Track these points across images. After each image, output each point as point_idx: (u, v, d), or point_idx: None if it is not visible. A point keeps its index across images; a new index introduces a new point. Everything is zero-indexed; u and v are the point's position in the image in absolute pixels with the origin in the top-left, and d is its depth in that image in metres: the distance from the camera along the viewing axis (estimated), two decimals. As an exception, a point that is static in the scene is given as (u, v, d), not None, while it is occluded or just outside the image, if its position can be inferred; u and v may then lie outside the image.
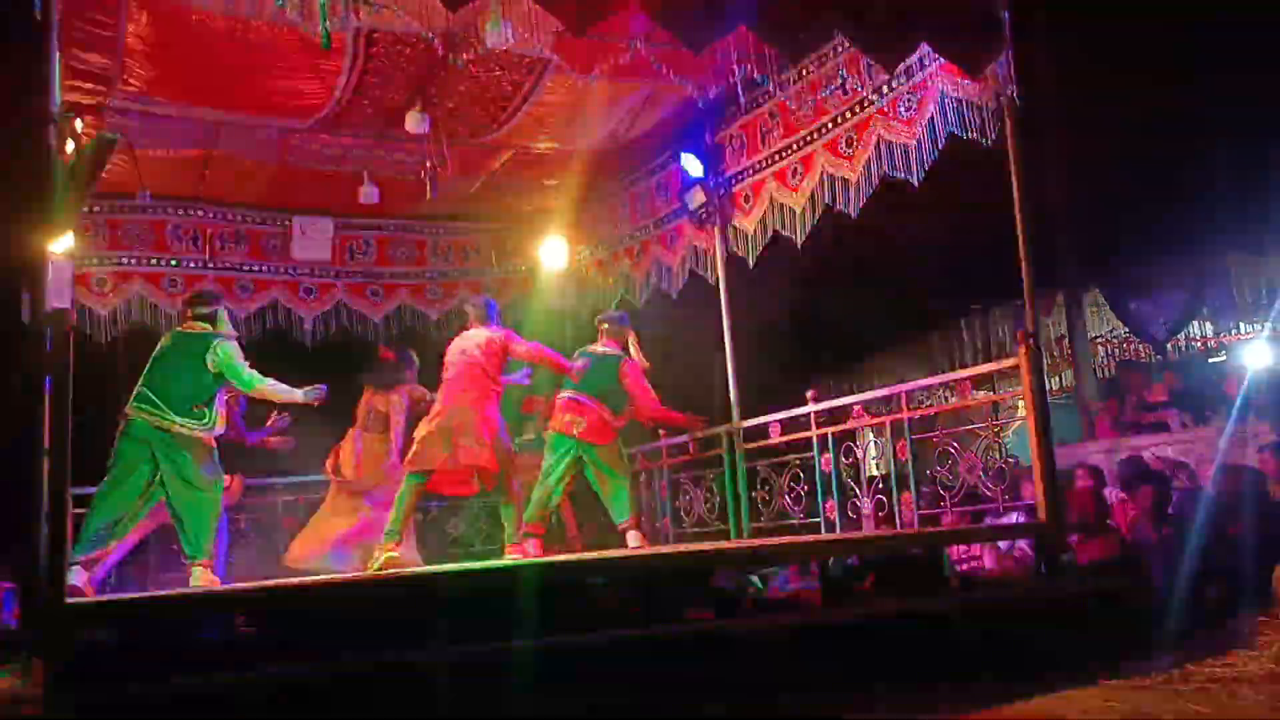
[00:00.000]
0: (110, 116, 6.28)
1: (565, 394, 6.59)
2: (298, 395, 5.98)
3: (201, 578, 5.51)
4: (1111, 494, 6.83)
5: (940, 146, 5.58)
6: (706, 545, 6.39)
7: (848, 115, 6.23)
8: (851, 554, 5.78)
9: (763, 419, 6.91)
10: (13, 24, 4.17)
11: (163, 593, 5.28)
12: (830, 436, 6.29)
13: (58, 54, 4.34)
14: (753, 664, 4.08)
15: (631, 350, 6.76)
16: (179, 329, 6.03)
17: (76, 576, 5.15)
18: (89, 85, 5.96)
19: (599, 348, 6.73)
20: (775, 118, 6.85)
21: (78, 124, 4.82)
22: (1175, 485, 6.87)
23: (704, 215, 7.42)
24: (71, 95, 5.94)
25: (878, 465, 8.39)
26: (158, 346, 5.90)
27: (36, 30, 4.02)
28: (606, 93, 6.56)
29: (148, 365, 5.79)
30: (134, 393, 5.69)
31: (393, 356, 7.62)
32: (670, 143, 7.71)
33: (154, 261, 8.20)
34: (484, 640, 3.91)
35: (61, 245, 4.07)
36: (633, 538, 6.26)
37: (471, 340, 6.25)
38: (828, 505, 6.32)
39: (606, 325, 6.82)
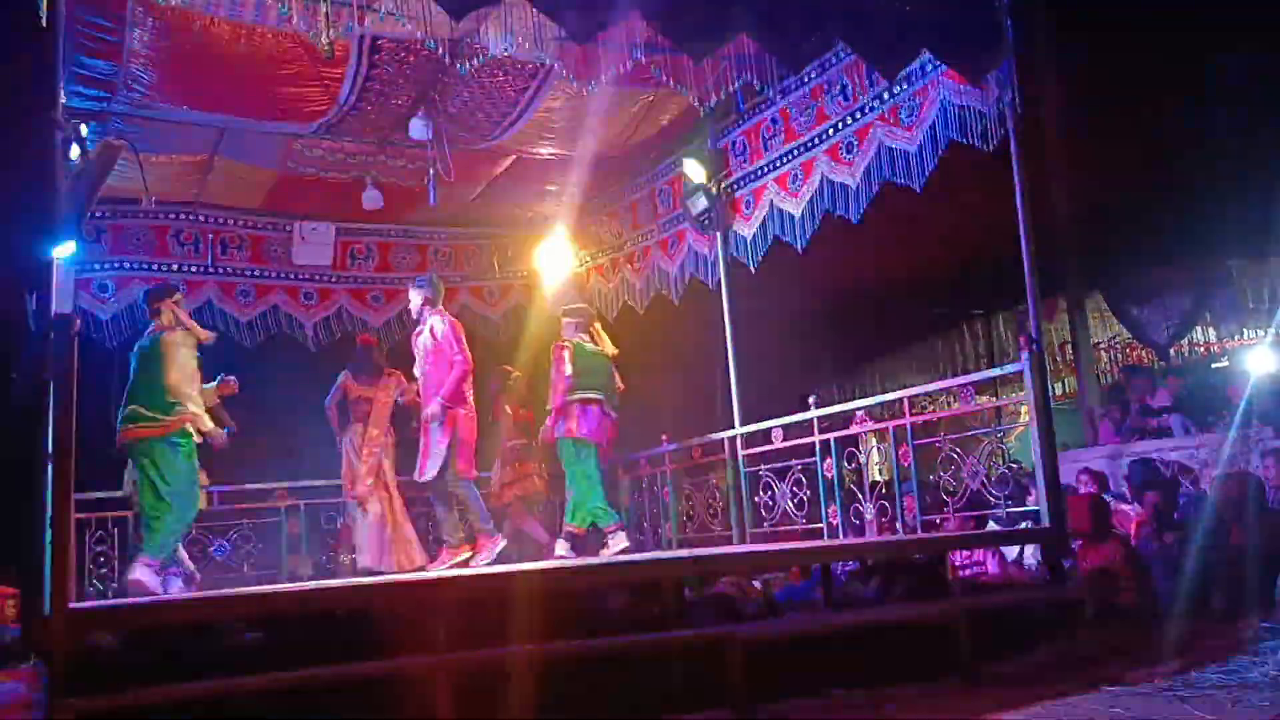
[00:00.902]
0: (114, 122, 6.31)
1: (588, 396, 6.52)
2: None
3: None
4: (1114, 500, 6.82)
5: (941, 153, 5.59)
6: (710, 551, 6.38)
7: (848, 121, 6.25)
8: (854, 559, 5.78)
9: (765, 424, 6.91)
10: (18, 30, 4.18)
11: (166, 597, 5.28)
12: (833, 441, 6.29)
13: (63, 60, 4.35)
14: (757, 669, 4.08)
15: (604, 341, 6.83)
16: (171, 335, 5.92)
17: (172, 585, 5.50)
18: (93, 91, 5.98)
19: (590, 344, 6.72)
20: (777, 124, 6.87)
21: (83, 129, 4.82)
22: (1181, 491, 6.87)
23: (706, 221, 7.43)
24: (76, 101, 5.96)
25: (880, 470, 8.39)
26: (168, 349, 5.79)
27: (42, 36, 4.03)
28: (609, 99, 6.57)
29: (176, 370, 5.73)
30: (181, 399, 5.68)
31: (374, 342, 7.67)
32: (672, 148, 7.73)
33: (156, 266, 8.22)
34: (486, 645, 3.90)
35: (66, 251, 4.08)
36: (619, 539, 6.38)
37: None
38: (830, 510, 6.32)
39: (578, 319, 6.80)
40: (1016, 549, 6.48)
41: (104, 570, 7.39)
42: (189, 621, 4.02)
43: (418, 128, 6.68)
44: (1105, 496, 6.85)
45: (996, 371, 7.06)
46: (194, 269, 8.36)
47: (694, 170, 7.40)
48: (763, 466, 6.95)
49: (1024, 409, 5.41)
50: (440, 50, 5.39)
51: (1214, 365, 11.49)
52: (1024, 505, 5.74)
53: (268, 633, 4.10)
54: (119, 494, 7.12)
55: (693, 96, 5.84)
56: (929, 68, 5.58)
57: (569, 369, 6.54)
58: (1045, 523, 5.10)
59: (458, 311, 9.29)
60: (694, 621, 4.55)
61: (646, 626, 4.40)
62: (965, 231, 9.28)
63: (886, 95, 5.90)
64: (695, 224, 7.55)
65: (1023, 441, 7.77)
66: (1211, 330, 11.64)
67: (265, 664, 3.73)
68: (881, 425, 6.18)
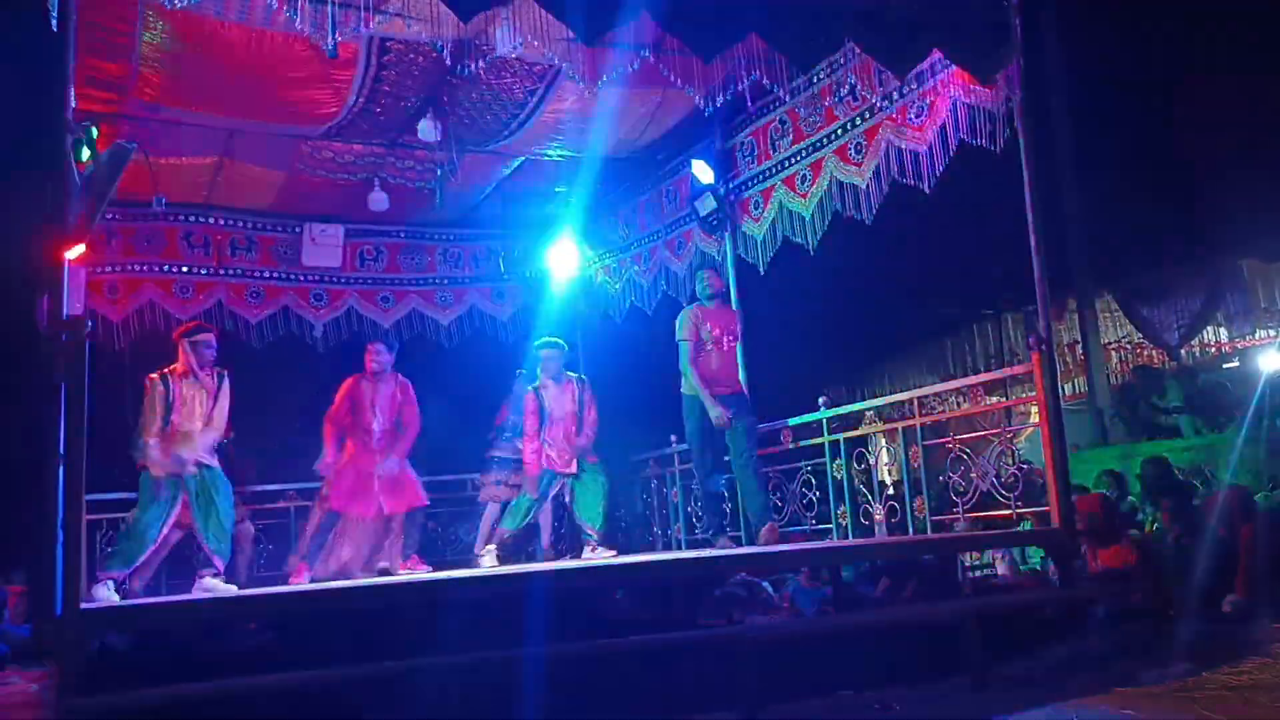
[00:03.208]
0: (124, 124, 6.33)
1: None
2: None
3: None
4: (1123, 502, 6.80)
5: (951, 153, 5.58)
6: (718, 551, 6.37)
7: (857, 122, 6.24)
8: (864, 560, 5.77)
9: (774, 424, 6.90)
10: (30, 34, 4.20)
11: (174, 599, 5.31)
12: (842, 442, 6.27)
13: (74, 63, 4.37)
14: (766, 669, 4.07)
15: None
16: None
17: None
18: (104, 94, 6.01)
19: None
20: (785, 124, 6.86)
21: (93, 131, 4.84)
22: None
23: (714, 222, 7.43)
24: (87, 104, 5.98)
25: (890, 471, 8.37)
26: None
27: (54, 40, 4.05)
28: (617, 100, 6.57)
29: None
30: None
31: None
32: (680, 149, 7.72)
33: (166, 268, 8.24)
34: (495, 647, 3.91)
35: (76, 252, 4.10)
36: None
37: None
38: (840, 511, 6.30)
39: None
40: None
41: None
42: (199, 622, 4.03)
43: (426, 129, 6.68)
44: (1115, 498, 6.83)
45: (1006, 372, 7.04)
46: (204, 271, 8.37)
47: (702, 171, 7.39)
48: (772, 467, 6.94)
49: (1034, 409, 5.38)
50: (448, 52, 5.39)
51: (1225, 365, 11.44)
52: (1034, 506, 5.71)
53: (278, 633, 4.12)
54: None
55: (701, 97, 5.83)
56: (938, 67, 5.56)
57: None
58: (1055, 523, 5.08)
59: (466, 312, 9.38)
60: (703, 622, 4.55)
61: (656, 627, 4.40)
62: (974, 231, 9.26)
63: (895, 95, 5.88)
64: (703, 225, 7.55)
65: (1033, 442, 7.73)
66: (1223, 330, 11.59)
67: (275, 664, 3.74)
68: (891, 426, 6.17)
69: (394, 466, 6.57)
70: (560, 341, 7.13)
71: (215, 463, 5.99)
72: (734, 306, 6.85)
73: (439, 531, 8.69)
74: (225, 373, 6.08)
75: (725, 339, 6.34)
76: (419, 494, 6.70)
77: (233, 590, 5.86)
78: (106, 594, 5.48)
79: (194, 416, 5.90)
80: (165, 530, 5.86)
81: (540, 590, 4.29)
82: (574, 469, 6.79)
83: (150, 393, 5.90)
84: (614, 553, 6.50)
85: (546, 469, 6.94)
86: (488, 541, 7.26)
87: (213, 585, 5.75)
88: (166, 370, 5.99)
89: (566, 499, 7.01)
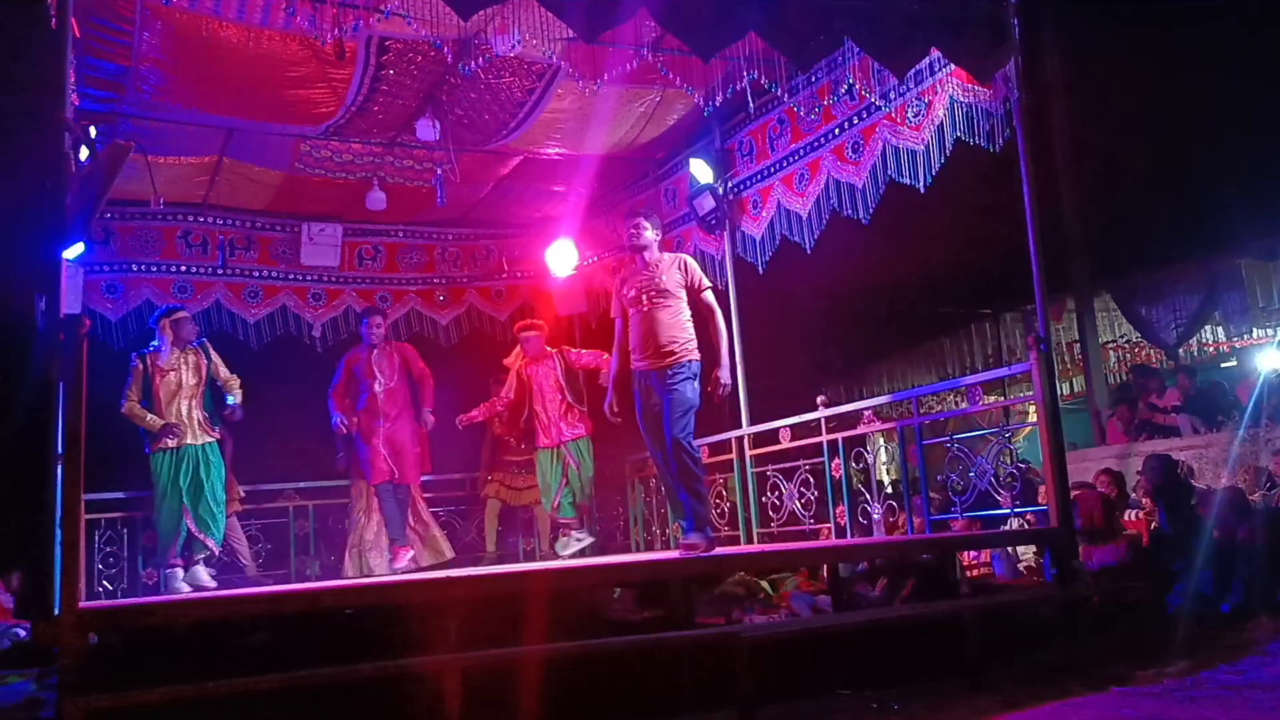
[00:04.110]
0: (123, 123, 6.33)
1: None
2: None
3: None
4: (1122, 498, 6.80)
5: (948, 152, 5.58)
6: (716, 551, 6.37)
7: (855, 121, 6.23)
8: (862, 560, 5.77)
9: (773, 424, 6.90)
10: (28, 31, 4.19)
11: (172, 598, 5.31)
12: (841, 442, 6.27)
13: (72, 61, 4.37)
14: (762, 669, 4.07)
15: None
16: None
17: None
18: (102, 92, 6.00)
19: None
20: (784, 124, 6.86)
21: (92, 131, 4.84)
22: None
23: (713, 221, 7.43)
24: (86, 102, 5.98)
25: (888, 470, 8.37)
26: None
27: (51, 38, 4.04)
28: (615, 100, 6.57)
29: None
30: None
31: None
32: (679, 148, 7.73)
33: (164, 267, 8.24)
34: (494, 645, 3.91)
35: (75, 252, 4.10)
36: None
37: None
38: (838, 510, 6.30)
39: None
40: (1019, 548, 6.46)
41: (113, 570, 7.41)
42: (199, 621, 4.03)
43: (425, 129, 6.68)
44: (1111, 496, 6.83)
45: (1004, 371, 7.03)
46: (202, 270, 8.37)
47: (700, 170, 7.39)
48: (770, 467, 6.94)
49: (1032, 408, 5.38)
50: (447, 51, 5.39)
51: (1223, 364, 11.45)
52: (1032, 505, 5.71)
53: (276, 632, 4.11)
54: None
55: (700, 96, 5.83)
56: (936, 67, 5.56)
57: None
58: (1053, 522, 5.08)
59: (465, 312, 9.38)
60: (701, 621, 4.54)
61: (653, 626, 4.40)
62: (973, 231, 9.26)
63: (893, 94, 5.87)
64: (702, 224, 7.55)
65: (1031, 441, 7.74)
66: (1220, 330, 11.60)
67: (274, 663, 3.74)
68: (889, 425, 6.16)
69: (430, 420, 7.15)
70: (539, 322, 7.60)
71: (209, 438, 6.02)
72: (667, 253, 5.42)
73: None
74: (206, 344, 6.52)
75: (646, 296, 5.14)
76: (417, 465, 7.18)
77: (211, 582, 5.97)
78: (177, 584, 5.68)
79: (178, 392, 6.19)
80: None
81: (539, 590, 4.29)
82: (563, 439, 7.27)
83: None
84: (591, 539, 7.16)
85: (540, 449, 7.32)
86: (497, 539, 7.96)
87: (196, 574, 6.07)
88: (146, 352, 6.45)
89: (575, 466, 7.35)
